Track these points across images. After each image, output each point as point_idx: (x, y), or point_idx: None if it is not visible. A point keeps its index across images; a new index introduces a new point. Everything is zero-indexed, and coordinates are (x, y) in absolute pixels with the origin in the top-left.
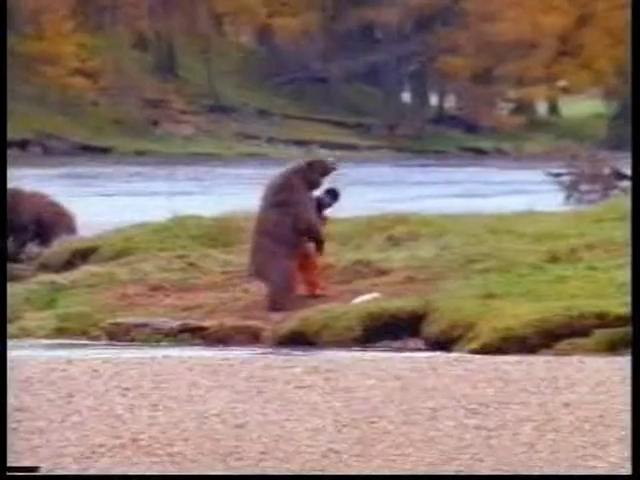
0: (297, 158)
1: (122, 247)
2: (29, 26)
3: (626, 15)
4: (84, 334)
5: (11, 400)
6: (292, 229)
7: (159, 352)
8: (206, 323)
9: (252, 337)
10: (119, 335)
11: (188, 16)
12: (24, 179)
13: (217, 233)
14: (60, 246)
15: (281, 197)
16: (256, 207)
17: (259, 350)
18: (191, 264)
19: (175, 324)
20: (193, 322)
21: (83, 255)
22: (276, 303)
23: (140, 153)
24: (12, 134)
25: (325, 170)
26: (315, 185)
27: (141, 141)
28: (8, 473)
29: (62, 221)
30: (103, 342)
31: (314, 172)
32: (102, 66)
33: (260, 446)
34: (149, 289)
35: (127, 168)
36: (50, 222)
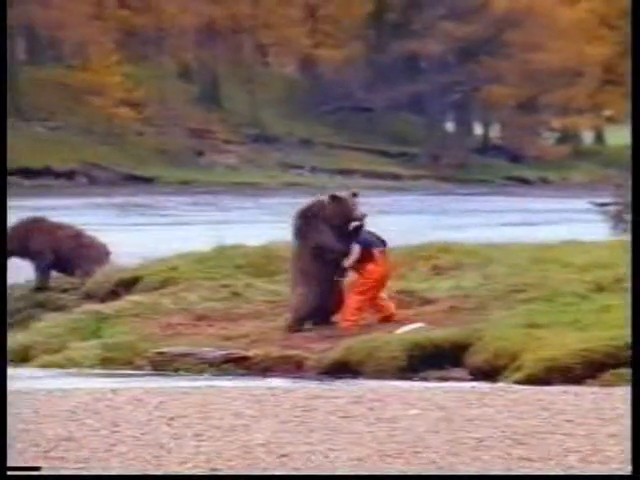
0: (340, 187)
1: (166, 277)
2: (75, 58)
3: None
4: (129, 364)
5: (58, 430)
6: (310, 255)
7: (203, 382)
8: (250, 353)
9: (296, 367)
10: (163, 365)
11: (232, 47)
12: (70, 209)
13: (261, 262)
14: (104, 276)
15: (299, 225)
16: None
17: (303, 380)
18: (235, 293)
19: (219, 354)
20: (237, 352)
21: (127, 285)
22: (289, 328)
23: (185, 183)
24: (59, 164)
25: (347, 210)
26: (332, 218)
27: (186, 171)
28: (8, 473)
29: (86, 253)
30: (147, 372)
31: (336, 206)
32: (147, 96)
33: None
34: (193, 318)
35: (172, 198)
36: (70, 252)
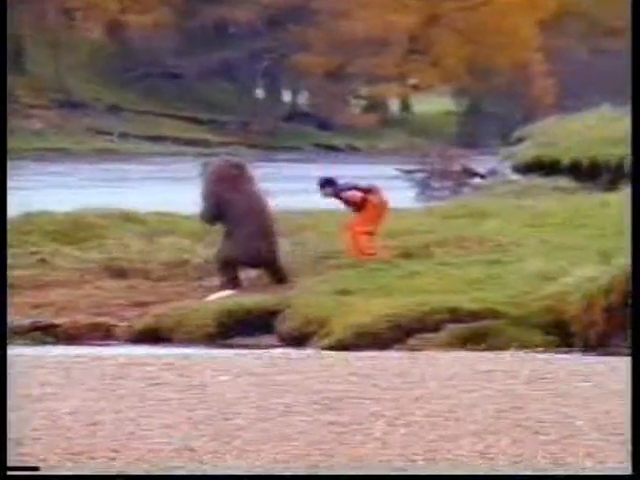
0: (150, 154)
1: None
2: None
3: (475, 15)
4: None
5: None
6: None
7: (9, 350)
8: (58, 320)
9: (106, 334)
10: None
11: (37, 10)
12: None
13: (70, 229)
14: None
15: None
16: (107, 203)
17: (112, 347)
18: (43, 260)
19: (26, 322)
20: (44, 320)
21: None
22: (219, 281)
23: None
24: None
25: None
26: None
27: None
28: (8, 473)
29: None
30: None
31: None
32: None
33: (113, 444)
34: None
35: None
36: None
